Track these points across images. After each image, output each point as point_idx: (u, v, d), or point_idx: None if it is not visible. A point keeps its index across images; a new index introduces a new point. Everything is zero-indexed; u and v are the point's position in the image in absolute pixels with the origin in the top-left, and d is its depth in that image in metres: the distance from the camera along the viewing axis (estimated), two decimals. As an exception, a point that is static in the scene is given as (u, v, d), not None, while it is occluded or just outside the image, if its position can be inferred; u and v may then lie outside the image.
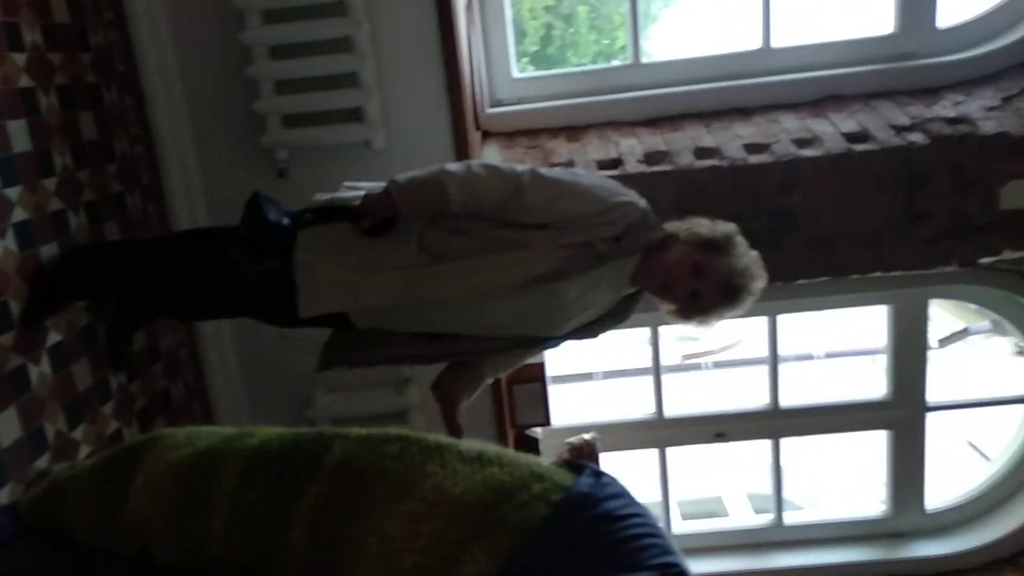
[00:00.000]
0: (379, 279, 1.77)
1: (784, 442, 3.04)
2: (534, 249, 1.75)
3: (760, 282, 1.81)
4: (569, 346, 2.02)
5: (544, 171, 1.80)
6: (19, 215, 1.95)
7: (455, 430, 1.94)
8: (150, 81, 2.53)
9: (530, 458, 0.72)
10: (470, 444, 0.73)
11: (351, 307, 1.82)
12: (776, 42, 2.73)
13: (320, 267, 1.79)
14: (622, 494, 0.70)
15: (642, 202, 1.82)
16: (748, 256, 1.80)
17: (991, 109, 2.52)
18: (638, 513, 0.68)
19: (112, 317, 2.25)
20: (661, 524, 0.70)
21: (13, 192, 1.93)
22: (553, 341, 1.94)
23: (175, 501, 0.74)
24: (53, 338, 2.05)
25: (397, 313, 1.83)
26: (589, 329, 1.92)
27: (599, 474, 0.71)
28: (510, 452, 0.73)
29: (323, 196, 1.92)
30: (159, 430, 0.84)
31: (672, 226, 1.84)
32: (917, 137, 2.46)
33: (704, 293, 1.77)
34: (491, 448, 0.72)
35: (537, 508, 0.66)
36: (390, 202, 1.76)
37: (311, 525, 0.68)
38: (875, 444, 3.20)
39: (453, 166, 1.79)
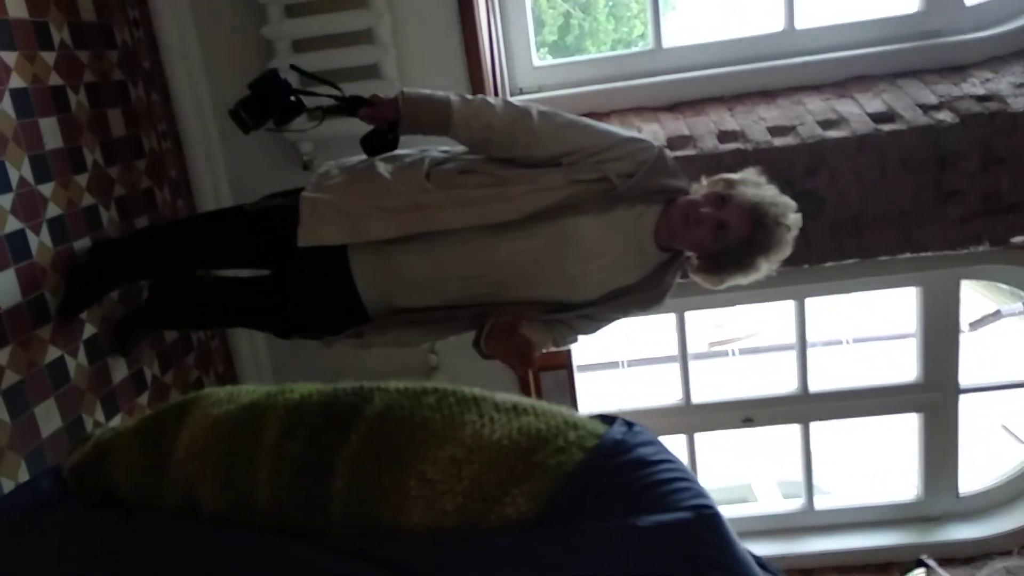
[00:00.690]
0: (382, 208, 1.74)
1: (814, 427, 3.02)
2: (545, 182, 1.71)
3: (793, 217, 1.72)
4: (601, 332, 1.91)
5: (556, 109, 1.81)
6: (52, 211, 1.99)
7: (522, 345, 1.66)
8: (175, 77, 2.56)
9: (563, 408, 0.74)
10: (505, 396, 0.75)
11: (353, 239, 1.76)
12: (799, 23, 2.70)
13: (324, 197, 1.78)
14: (653, 442, 0.72)
15: (658, 145, 1.79)
16: (775, 192, 1.73)
17: (1021, 86, 2.48)
18: (670, 459, 0.70)
19: (130, 317, 2.21)
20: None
21: (47, 188, 1.97)
22: (582, 315, 1.81)
23: (220, 454, 0.76)
24: (89, 331, 2.09)
25: (405, 262, 1.76)
26: (620, 304, 1.81)
27: (630, 424, 0.73)
28: (544, 403, 0.75)
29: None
30: (201, 390, 0.86)
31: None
32: (945, 116, 2.43)
33: (731, 223, 1.68)
34: (525, 399, 0.74)
35: (572, 453, 0.68)
36: (394, 103, 1.77)
37: (353, 473, 0.70)
38: (906, 428, 3.17)
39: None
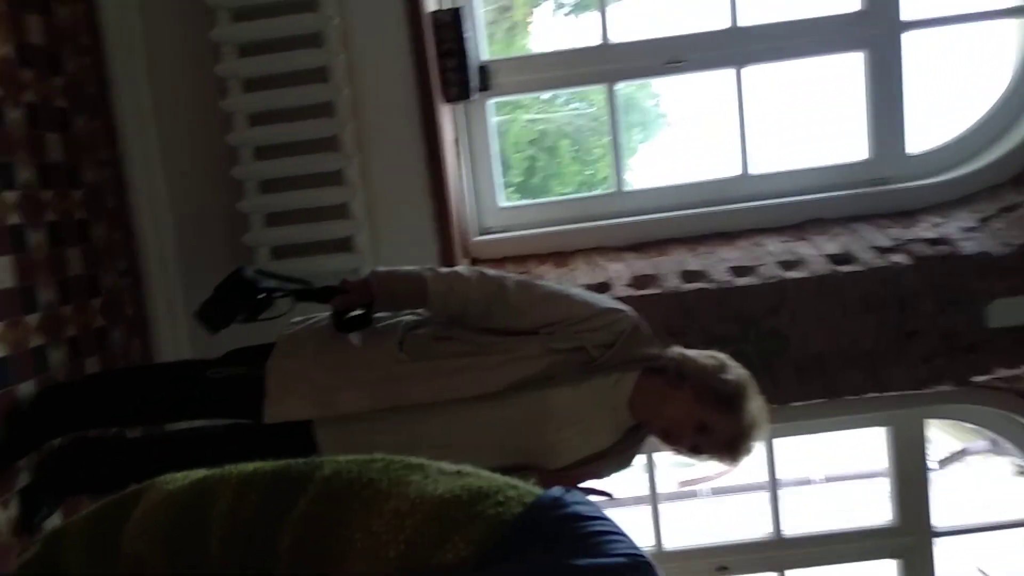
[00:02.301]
0: (354, 380, 1.69)
1: (790, 574, 2.91)
2: (522, 352, 1.68)
3: (763, 432, 1.74)
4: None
5: (532, 279, 1.80)
6: (-2, 352, 1.91)
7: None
8: (140, 217, 2.55)
9: (506, 476, 0.79)
10: (450, 464, 0.80)
11: (321, 413, 1.70)
12: (754, 169, 2.81)
13: (293, 368, 1.72)
14: (589, 503, 0.77)
15: (635, 315, 1.78)
16: (756, 408, 1.71)
17: (969, 230, 2.57)
18: (604, 517, 0.75)
19: (36, 485, 1.99)
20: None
21: (-7, 329, 1.90)
22: None
23: (172, 525, 0.78)
24: (23, 480, 1.96)
25: (375, 430, 1.70)
26: (593, 469, 1.80)
27: (568, 490, 0.78)
28: (487, 471, 0.80)
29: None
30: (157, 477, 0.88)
31: (679, 355, 1.75)
32: (900, 258, 2.49)
33: (706, 449, 1.72)
34: (469, 467, 0.79)
35: (512, 506, 0.73)
36: (366, 286, 1.74)
37: (299, 532, 0.73)
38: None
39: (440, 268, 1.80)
